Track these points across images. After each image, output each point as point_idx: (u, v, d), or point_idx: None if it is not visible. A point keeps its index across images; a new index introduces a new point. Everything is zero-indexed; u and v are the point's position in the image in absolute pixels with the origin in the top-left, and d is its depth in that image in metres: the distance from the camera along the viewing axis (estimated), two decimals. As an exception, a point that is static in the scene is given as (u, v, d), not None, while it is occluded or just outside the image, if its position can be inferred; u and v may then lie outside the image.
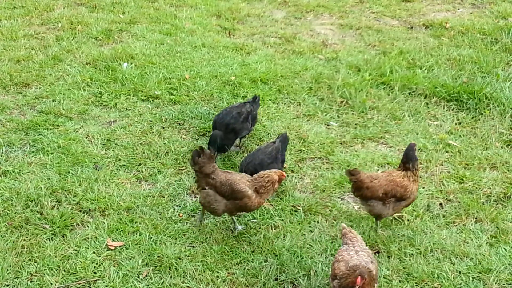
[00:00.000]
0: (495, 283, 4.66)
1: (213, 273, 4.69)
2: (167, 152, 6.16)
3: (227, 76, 7.70)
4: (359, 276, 3.94)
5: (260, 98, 6.78)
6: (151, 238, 5.02)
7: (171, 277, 4.64)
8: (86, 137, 6.36)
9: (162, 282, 4.59)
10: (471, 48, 8.75)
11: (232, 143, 6.12)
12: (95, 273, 4.66)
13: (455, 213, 5.42)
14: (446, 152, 6.35)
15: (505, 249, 5.02)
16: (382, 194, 4.96)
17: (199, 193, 5.13)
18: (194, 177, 5.24)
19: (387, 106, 7.17)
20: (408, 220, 5.32)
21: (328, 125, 6.84)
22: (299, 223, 5.25)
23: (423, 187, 5.75)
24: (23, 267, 4.67)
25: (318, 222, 5.26)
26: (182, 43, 8.71)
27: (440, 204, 5.59)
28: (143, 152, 6.14)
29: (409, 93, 7.48)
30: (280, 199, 5.55)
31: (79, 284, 4.56)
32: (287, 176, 5.86)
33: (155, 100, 7.17)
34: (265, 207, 5.40)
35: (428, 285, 4.65)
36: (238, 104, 6.37)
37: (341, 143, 6.48)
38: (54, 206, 5.33)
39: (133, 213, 5.30)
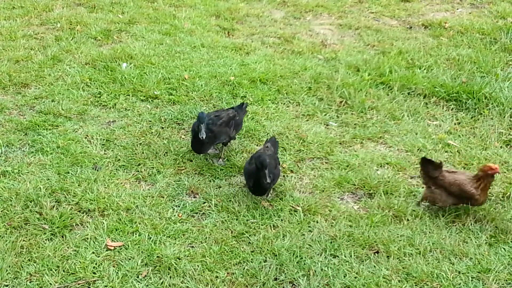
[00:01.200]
0: (494, 283, 4.66)
1: (212, 273, 4.68)
2: (166, 152, 6.16)
3: (226, 76, 7.70)
4: None
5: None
6: (150, 238, 5.01)
7: (170, 277, 4.64)
8: (86, 137, 6.36)
9: (162, 282, 4.59)
10: (470, 48, 8.76)
11: (209, 147, 5.99)
12: (94, 273, 4.66)
13: (455, 213, 5.42)
14: (446, 152, 6.36)
15: (504, 249, 5.02)
16: None
17: (426, 188, 5.49)
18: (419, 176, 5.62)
19: (386, 106, 7.17)
20: (407, 220, 5.32)
21: (327, 125, 6.84)
22: (299, 223, 5.25)
23: (423, 187, 5.75)
24: (22, 267, 4.67)
25: (317, 222, 5.26)
26: (181, 43, 8.71)
27: (440, 204, 5.59)
28: (143, 152, 6.14)
29: (408, 93, 7.48)
30: (280, 199, 5.55)
31: (78, 284, 4.56)
32: (286, 176, 5.87)
33: (154, 100, 7.17)
34: (264, 207, 5.40)
35: (428, 285, 4.65)
36: (221, 110, 6.28)
37: (340, 143, 6.48)
38: (53, 207, 5.32)
39: (132, 213, 5.30)
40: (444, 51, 8.61)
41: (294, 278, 4.67)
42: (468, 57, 8.33)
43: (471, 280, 4.68)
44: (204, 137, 5.68)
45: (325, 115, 7.01)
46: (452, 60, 8.32)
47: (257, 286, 4.59)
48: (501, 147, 6.46)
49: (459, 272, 4.75)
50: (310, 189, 5.73)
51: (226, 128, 5.95)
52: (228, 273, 4.70)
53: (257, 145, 6.32)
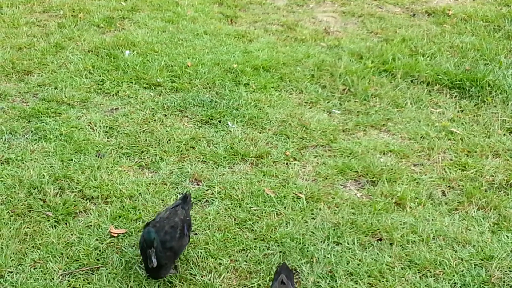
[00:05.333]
0: (497, 270, 4.66)
1: (215, 260, 4.69)
2: (169, 140, 6.16)
3: (229, 63, 7.69)
4: None
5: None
6: (153, 225, 5.02)
7: (174, 264, 4.65)
8: (89, 125, 6.36)
9: (165, 269, 4.60)
10: (474, 36, 8.73)
11: (171, 265, 4.43)
12: (98, 260, 4.67)
13: (458, 201, 5.43)
14: (449, 139, 6.35)
15: (507, 236, 5.02)
16: None
17: None
18: None
19: (389, 94, 7.16)
20: (410, 207, 5.32)
21: (330, 112, 6.84)
22: (302, 211, 5.26)
23: (425, 175, 5.75)
24: (26, 254, 4.68)
25: (320, 210, 5.27)
26: (184, 31, 8.70)
27: (443, 191, 5.59)
28: (146, 140, 6.15)
29: (412, 81, 7.46)
30: (283, 186, 5.55)
31: (82, 271, 4.57)
32: (290, 163, 5.87)
33: (157, 87, 7.16)
34: (267, 195, 5.40)
35: (430, 272, 4.66)
36: (168, 212, 4.58)
37: (343, 131, 6.48)
38: (57, 194, 5.33)
39: (135, 200, 5.31)
40: (448, 39, 8.59)
41: (297, 265, 4.68)
42: (472, 45, 8.31)
43: (474, 267, 4.69)
44: (155, 266, 4.21)
45: (328, 102, 7.01)
46: (456, 48, 8.30)
47: (260, 273, 4.60)
48: (504, 134, 6.45)
49: (462, 259, 4.76)
50: (313, 176, 5.73)
51: (185, 238, 4.53)
52: (231, 260, 4.71)
53: (260, 133, 6.32)
